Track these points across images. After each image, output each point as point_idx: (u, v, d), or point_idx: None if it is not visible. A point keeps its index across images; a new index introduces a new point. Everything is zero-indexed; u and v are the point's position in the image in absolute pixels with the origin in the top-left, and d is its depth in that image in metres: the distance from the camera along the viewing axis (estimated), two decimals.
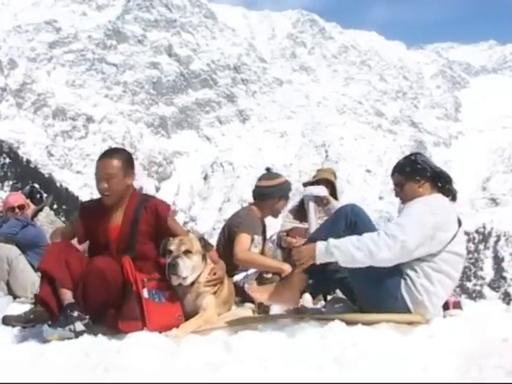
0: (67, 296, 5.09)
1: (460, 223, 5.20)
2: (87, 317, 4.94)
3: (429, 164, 5.46)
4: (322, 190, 8.38)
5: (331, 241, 4.90)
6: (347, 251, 4.78)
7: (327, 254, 4.85)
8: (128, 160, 5.76)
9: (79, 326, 4.67)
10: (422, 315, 5.05)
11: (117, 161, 5.59)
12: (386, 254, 4.74)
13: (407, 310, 4.97)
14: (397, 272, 4.98)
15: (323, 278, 5.53)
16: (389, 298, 4.94)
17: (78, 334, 4.75)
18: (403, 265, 4.98)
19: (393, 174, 5.61)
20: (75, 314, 4.81)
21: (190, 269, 5.53)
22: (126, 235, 5.64)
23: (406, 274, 4.97)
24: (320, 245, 4.91)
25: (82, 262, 5.35)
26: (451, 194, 5.41)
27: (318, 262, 4.93)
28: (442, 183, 5.39)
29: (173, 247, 5.52)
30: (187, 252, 5.53)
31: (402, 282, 4.96)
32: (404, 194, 5.50)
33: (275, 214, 7.64)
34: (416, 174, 5.38)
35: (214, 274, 5.81)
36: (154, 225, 5.71)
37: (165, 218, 5.77)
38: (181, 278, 5.51)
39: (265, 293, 5.63)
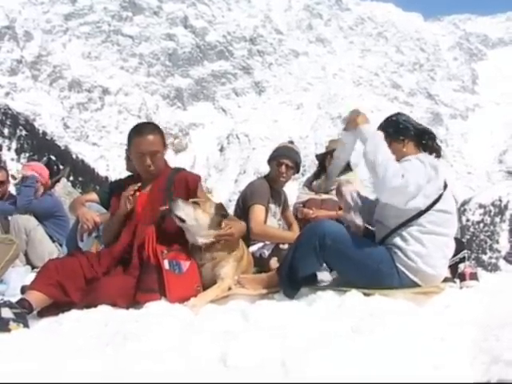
0: (27, 295, 4.87)
1: (446, 184, 5.08)
2: (24, 310, 4.59)
3: (411, 123, 5.38)
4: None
5: (379, 133, 5.01)
6: (376, 151, 4.79)
7: (364, 134, 4.90)
8: (163, 134, 5.81)
9: (7, 312, 4.38)
10: (436, 286, 5.03)
11: (158, 136, 5.64)
12: (390, 174, 4.64)
13: (410, 282, 4.91)
14: (384, 249, 4.95)
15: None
16: (387, 277, 4.87)
17: (2, 322, 4.31)
18: (391, 237, 4.99)
19: None
20: (7, 302, 4.52)
21: (191, 217, 5.46)
22: (154, 204, 5.65)
23: (394, 245, 4.93)
24: (368, 127, 4.94)
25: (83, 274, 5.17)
26: (435, 152, 5.32)
27: (359, 129, 4.94)
28: (426, 140, 5.29)
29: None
30: (195, 203, 5.52)
31: (393, 255, 4.91)
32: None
33: (275, 180, 7.54)
34: (399, 134, 5.27)
35: (230, 228, 5.68)
36: (184, 196, 5.70)
37: (194, 189, 5.83)
38: (190, 233, 5.50)
39: (255, 283, 5.55)
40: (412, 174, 4.72)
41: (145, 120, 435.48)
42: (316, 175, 8.87)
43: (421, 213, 4.92)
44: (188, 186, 5.84)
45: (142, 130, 5.67)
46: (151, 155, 5.57)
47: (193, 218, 5.49)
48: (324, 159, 8.76)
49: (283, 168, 7.43)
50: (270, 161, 7.66)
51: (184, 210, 5.45)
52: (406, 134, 5.27)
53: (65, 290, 4.98)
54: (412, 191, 4.71)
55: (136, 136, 5.61)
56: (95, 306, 4.83)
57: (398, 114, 5.57)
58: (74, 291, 5.01)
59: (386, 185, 4.65)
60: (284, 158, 7.45)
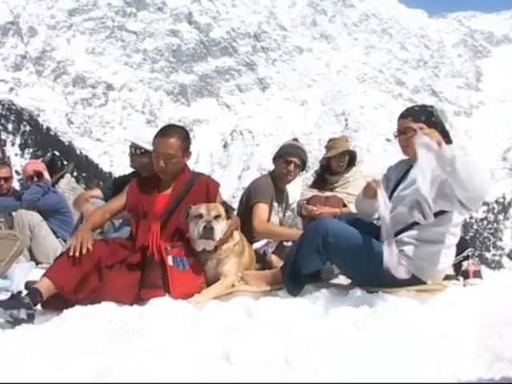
0: (41, 283, 4.87)
1: None
2: (35, 308, 4.64)
3: (441, 119, 5.11)
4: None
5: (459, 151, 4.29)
6: (466, 166, 4.17)
7: (448, 153, 4.22)
8: (186, 139, 5.75)
9: (23, 313, 4.42)
10: (440, 283, 4.99)
11: (176, 140, 5.58)
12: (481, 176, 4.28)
13: (415, 279, 4.83)
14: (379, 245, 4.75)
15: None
16: (390, 275, 4.54)
17: (16, 321, 4.43)
18: (404, 234, 4.89)
19: (404, 118, 5.12)
20: (26, 301, 4.57)
21: (221, 233, 5.50)
22: (172, 204, 5.65)
23: (404, 242, 4.86)
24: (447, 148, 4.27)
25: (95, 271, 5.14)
26: None
27: (441, 149, 4.22)
28: (447, 142, 4.55)
29: (203, 211, 5.44)
30: (217, 217, 5.48)
31: (399, 253, 4.69)
32: (412, 143, 4.71)
33: (281, 178, 7.46)
34: (430, 126, 4.83)
35: (231, 225, 5.71)
36: (202, 200, 5.67)
37: (215, 195, 5.83)
38: (209, 243, 5.48)
39: (259, 280, 5.53)
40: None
41: (148, 116, 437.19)
42: (319, 176, 8.81)
43: (443, 212, 4.78)
44: (208, 191, 5.82)
45: (166, 131, 5.68)
46: (165, 158, 5.53)
47: (220, 232, 5.51)
48: (329, 162, 8.74)
49: (291, 166, 7.36)
50: (275, 158, 7.57)
51: (219, 233, 5.48)
52: (436, 129, 4.78)
53: (75, 288, 4.96)
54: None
55: (159, 135, 5.65)
56: (99, 302, 4.82)
57: (433, 106, 5.27)
58: (82, 291, 4.99)
59: (484, 194, 4.41)
60: (292, 157, 7.37)
